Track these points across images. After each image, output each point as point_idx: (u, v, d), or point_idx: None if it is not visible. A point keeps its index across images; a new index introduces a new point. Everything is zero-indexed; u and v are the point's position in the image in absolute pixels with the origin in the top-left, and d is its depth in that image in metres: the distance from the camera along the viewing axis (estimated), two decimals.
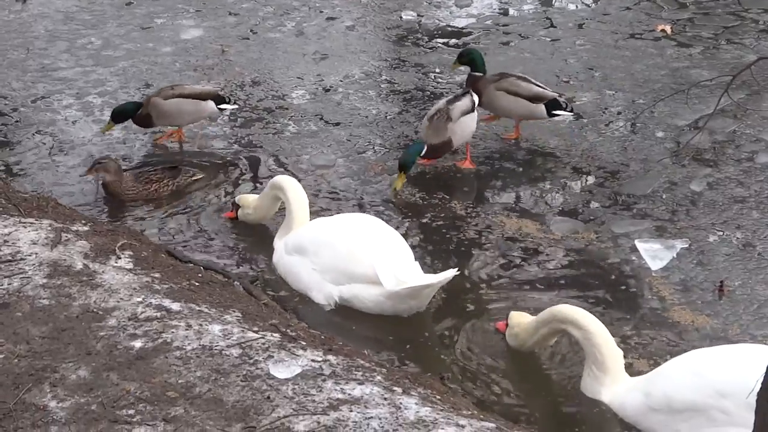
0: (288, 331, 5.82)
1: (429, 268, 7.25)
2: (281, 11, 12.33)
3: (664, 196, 8.39)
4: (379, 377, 5.36)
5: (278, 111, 9.95)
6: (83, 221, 7.14)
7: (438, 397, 5.40)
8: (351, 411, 4.97)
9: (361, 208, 8.24)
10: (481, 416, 5.27)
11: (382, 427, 4.85)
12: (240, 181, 8.74)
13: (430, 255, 7.63)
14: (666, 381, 5.65)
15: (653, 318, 6.91)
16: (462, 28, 11.88)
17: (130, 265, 6.41)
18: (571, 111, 9.24)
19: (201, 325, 5.68)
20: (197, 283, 6.45)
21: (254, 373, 5.26)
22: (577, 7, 12.59)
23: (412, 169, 8.64)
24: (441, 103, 8.88)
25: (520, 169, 8.89)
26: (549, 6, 12.51)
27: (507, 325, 6.49)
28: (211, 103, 9.14)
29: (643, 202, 8.33)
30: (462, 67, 9.66)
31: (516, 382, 6.37)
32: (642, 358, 6.47)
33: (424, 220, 8.14)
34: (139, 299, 5.92)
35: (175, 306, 5.89)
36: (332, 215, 7.71)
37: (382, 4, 12.49)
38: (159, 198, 8.43)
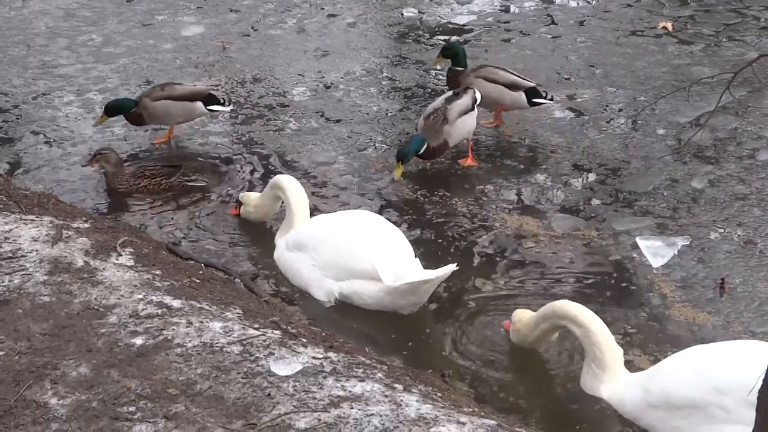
0: (289, 328, 5.82)
1: (430, 264, 7.24)
2: (282, 8, 12.32)
3: (665, 194, 8.39)
4: (379, 374, 5.36)
5: (279, 108, 9.95)
6: (84, 218, 7.14)
7: (439, 394, 5.40)
8: (352, 408, 4.96)
9: (361, 204, 8.24)
10: (482, 413, 5.27)
11: (383, 424, 4.85)
12: (241, 179, 8.74)
13: (430, 252, 7.63)
14: (665, 377, 5.66)
15: (654, 315, 6.91)
16: (463, 25, 11.87)
17: (131, 262, 6.41)
18: (551, 99, 9.36)
19: (202, 322, 5.68)
20: (198, 280, 6.45)
21: (255, 371, 5.26)
22: (578, 4, 12.57)
23: (413, 166, 8.64)
24: (439, 101, 8.87)
25: (522, 167, 8.88)
26: (550, 3, 12.50)
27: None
28: (199, 105, 9.13)
29: (644, 199, 8.32)
30: (444, 62, 9.69)
31: (516, 379, 6.37)
32: (643, 355, 6.47)
33: (425, 217, 8.13)
34: (140, 296, 5.92)
35: (176, 303, 5.89)
36: (333, 212, 7.70)
37: (384, 1, 12.49)
38: (149, 193, 8.42)
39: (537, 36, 11.53)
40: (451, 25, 11.90)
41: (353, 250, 6.82)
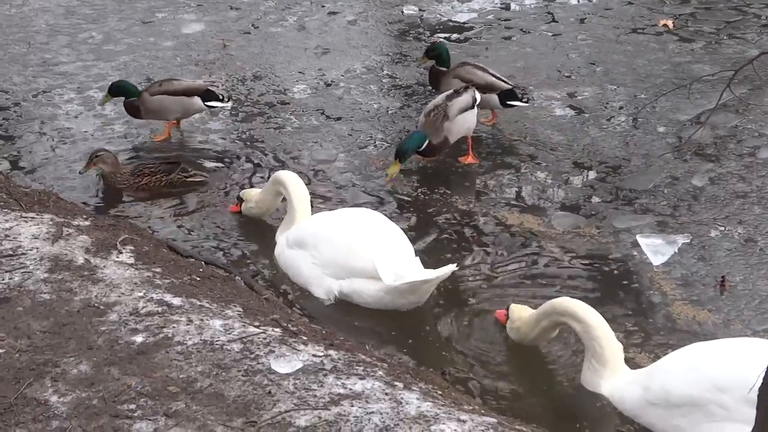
0: (289, 326, 5.82)
1: (430, 263, 7.24)
2: (283, 6, 12.32)
3: (665, 191, 8.38)
4: (380, 372, 5.36)
5: (279, 106, 9.95)
6: (84, 216, 7.14)
7: (439, 392, 5.40)
8: (352, 406, 4.97)
9: (362, 202, 8.24)
10: (483, 411, 5.27)
11: (383, 421, 4.85)
12: (241, 176, 8.73)
13: (431, 250, 7.63)
14: (664, 375, 5.66)
15: (655, 313, 6.91)
16: (464, 23, 11.87)
17: (132, 260, 6.41)
18: (527, 102, 9.44)
19: (202, 320, 5.68)
20: (198, 278, 6.45)
21: (255, 368, 5.26)
22: (578, 1, 12.57)
23: (414, 164, 8.63)
24: (440, 98, 8.88)
25: (522, 164, 8.88)
26: (551, 1, 12.50)
27: (507, 315, 6.50)
28: (197, 100, 9.14)
29: (644, 197, 8.32)
30: (429, 63, 9.70)
31: (517, 376, 6.37)
32: (643, 352, 6.47)
33: (426, 215, 8.13)
34: (141, 294, 5.92)
35: (177, 301, 5.89)
36: (333, 210, 7.70)
37: None
38: (150, 191, 8.43)
39: (537, 34, 11.53)
40: (451, 23, 11.90)
41: (353, 248, 6.82)
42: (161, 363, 5.29)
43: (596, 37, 11.41)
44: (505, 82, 9.37)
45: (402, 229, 7.20)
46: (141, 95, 9.13)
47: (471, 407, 5.29)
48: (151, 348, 5.41)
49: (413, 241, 7.28)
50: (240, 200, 8.07)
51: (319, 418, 4.86)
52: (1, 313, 5.70)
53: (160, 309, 5.77)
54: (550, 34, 11.52)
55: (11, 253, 6.31)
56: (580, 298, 6.53)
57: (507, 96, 9.28)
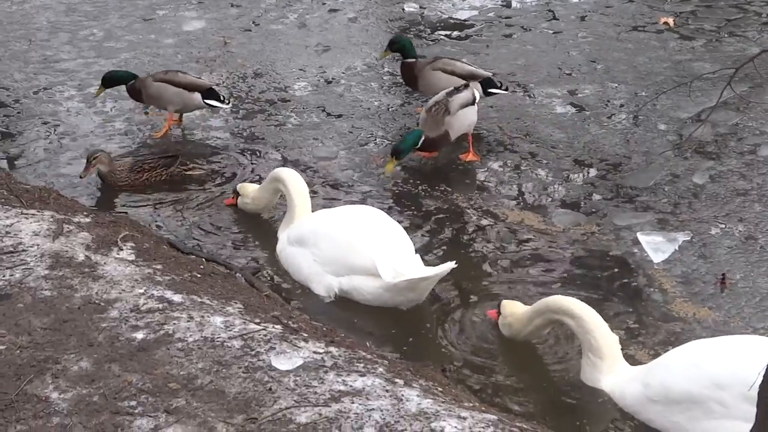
0: (290, 322, 5.82)
1: (431, 259, 7.25)
2: (283, 3, 12.32)
3: (666, 189, 8.38)
4: (380, 369, 5.36)
5: (280, 103, 9.95)
6: (85, 213, 7.14)
7: (440, 389, 5.40)
8: (353, 403, 4.97)
9: (362, 200, 8.24)
10: (483, 408, 5.28)
11: (384, 419, 4.86)
12: (242, 174, 8.73)
13: (431, 247, 7.63)
14: (664, 371, 5.66)
15: (655, 311, 6.91)
16: (464, 20, 11.87)
17: (132, 257, 6.41)
18: (506, 89, 9.46)
19: (203, 316, 5.68)
20: (199, 275, 6.45)
21: (256, 365, 5.26)
22: None
23: (415, 161, 8.63)
24: (441, 94, 8.88)
25: (523, 162, 8.88)
26: None
27: (499, 312, 6.51)
28: (197, 96, 9.16)
29: (645, 194, 8.32)
30: (393, 56, 9.71)
31: (517, 373, 6.38)
32: (643, 349, 6.47)
33: (426, 212, 8.13)
34: (141, 291, 5.93)
35: (177, 298, 5.89)
36: (334, 207, 7.70)
37: None
38: (150, 186, 8.44)
39: (538, 31, 11.53)
40: (452, 20, 11.90)
41: (353, 245, 6.82)
42: (162, 360, 5.29)
43: (597, 34, 11.40)
44: (484, 71, 9.48)
45: (402, 226, 7.20)
46: (144, 79, 9.22)
47: (471, 404, 5.29)
48: (152, 345, 5.41)
49: (414, 238, 7.28)
50: (236, 193, 8.07)
51: (320, 414, 4.86)
52: (1, 309, 5.70)
53: (160, 306, 5.77)
54: (551, 31, 11.52)
55: (12, 249, 6.31)
56: (580, 296, 6.54)
57: (487, 84, 9.35)
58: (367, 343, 6.14)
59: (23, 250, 6.30)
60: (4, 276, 6.02)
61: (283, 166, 8.48)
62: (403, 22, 11.85)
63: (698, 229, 7.81)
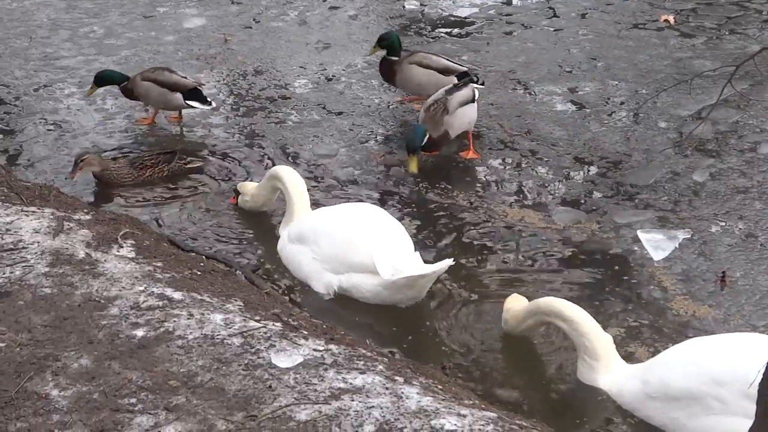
0: (290, 320, 5.82)
1: (431, 257, 7.25)
2: (284, 0, 12.32)
3: (666, 187, 8.38)
4: (380, 367, 5.36)
5: (280, 100, 9.95)
6: (85, 210, 7.14)
7: (439, 386, 5.40)
8: (352, 400, 4.97)
9: (363, 197, 8.24)
10: (483, 406, 5.28)
11: (384, 416, 4.86)
12: (242, 171, 8.73)
13: (432, 245, 7.63)
14: (663, 368, 5.67)
15: (655, 308, 6.91)
16: (465, 18, 11.87)
17: (132, 254, 6.41)
18: (483, 84, 9.40)
19: (203, 314, 5.68)
20: (199, 272, 6.45)
21: (256, 362, 5.26)
22: None
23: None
24: (440, 92, 8.88)
25: (523, 159, 8.88)
26: None
27: None
28: (177, 96, 9.19)
29: (645, 192, 8.32)
30: (381, 52, 9.73)
31: (517, 371, 6.38)
32: (643, 347, 6.47)
33: (427, 210, 8.13)
34: (141, 288, 5.93)
35: (177, 295, 5.89)
36: (334, 205, 7.70)
37: None
38: (154, 183, 8.46)
39: (539, 29, 11.53)
40: (452, 18, 11.90)
41: (352, 243, 6.82)
42: (162, 357, 5.30)
43: (597, 32, 11.40)
44: (459, 65, 9.49)
45: (402, 223, 7.20)
46: (134, 78, 9.25)
47: (471, 402, 5.29)
48: (152, 342, 5.42)
49: (414, 235, 7.28)
50: (237, 192, 8.08)
51: (320, 412, 4.87)
52: (2, 307, 5.70)
53: (160, 303, 5.77)
54: (552, 29, 11.52)
55: (12, 247, 6.31)
56: (580, 294, 6.55)
57: (463, 78, 9.32)
58: (367, 341, 6.13)
59: (23, 248, 6.31)
60: (4, 273, 6.02)
61: (284, 163, 8.48)
62: (403, 19, 11.85)
63: (698, 226, 7.81)
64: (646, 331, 6.65)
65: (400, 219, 7.41)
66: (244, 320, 5.66)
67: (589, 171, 8.71)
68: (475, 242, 7.69)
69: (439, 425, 4.80)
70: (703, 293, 7.05)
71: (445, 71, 9.35)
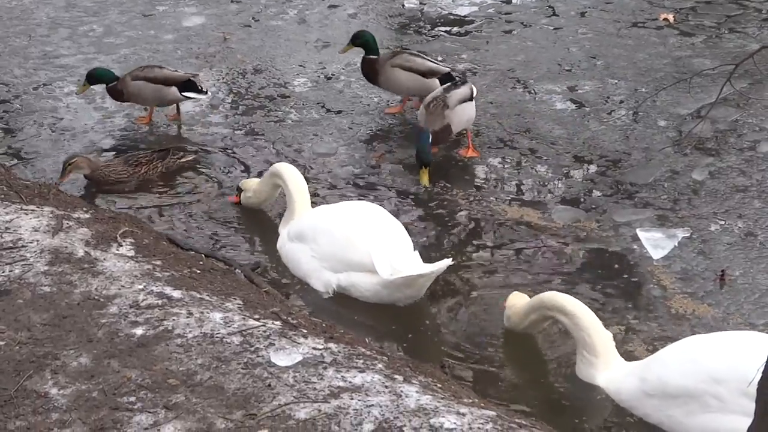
0: (289, 318, 5.82)
1: (430, 256, 7.25)
2: None
3: (665, 185, 8.38)
4: (380, 365, 5.37)
5: (280, 99, 9.95)
6: (84, 209, 7.14)
7: (439, 385, 5.40)
8: (352, 399, 4.97)
9: (362, 196, 8.24)
10: (482, 404, 5.28)
11: (383, 414, 4.86)
12: (241, 170, 8.73)
13: (431, 243, 7.64)
14: (661, 366, 5.67)
15: (654, 307, 6.91)
16: (464, 17, 11.86)
17: (132, 253, 6.41)
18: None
19: (202, 312, 5.68)
20: (198, 271, 6.45)
21: (255, 361, 5.26)
22: None
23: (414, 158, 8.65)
24: (438, 90, 8.89)
25: (522, 158, 8.88)
26: None
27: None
28: (173, 90, 9.20)
29: (644, 191, 8.32)
30: (354, 50, 9.72)
31: (516, 369, 6.39)
32: (642, 345, 6.47)
33: (426, 208, 8.13)
34: (141, 287, 5.93)
35: (177, 293, 5.89)
36: (334, 203, 7.70)
37: None
38: (150, 180, 8.46)
39: (538, 27, 11.52)
40: (452, 16, 11.89)
41: (351, 241, 6.82)
42: (161, 355, 5.30)
43: (597, 30, 11.40)
44: (443, 66, 9.46)
45: (402, 222, 7.20)
46: (123, 78, 9.23)
47: (470, 400, 5.29)
48: (151, 340, 5.42)
49: (413, 234, 7.28)
50: (240, 190, 8.09)
51: (319, 411, 4.87)
52: (1, 305, 5.70)
53: (160, 302, 5.77)
54: (551, 27, 11.51)
55: (11, 245, 6.31)
56: (579, 292, 6.56)
57: (447, 80, 9.28)
58: (367, 340, 6.14)
59: (23, 246, 6.31)
60: (3, 272, 6.02)
61: (283, 161, 8.47)
62: (402, 18, 11.84)
63: (698, 225, 7.82)
64: (644, 330, 6.66)
65: (399, 217, 7.40)
66: (244, 319, 5.66)
67: (588, 169, 8.71)
68: (474, 240, 7.69)
69: (438, 424, 4.80)
70: (703, 292, 7.06)
71: (428, 73, 9.29)
